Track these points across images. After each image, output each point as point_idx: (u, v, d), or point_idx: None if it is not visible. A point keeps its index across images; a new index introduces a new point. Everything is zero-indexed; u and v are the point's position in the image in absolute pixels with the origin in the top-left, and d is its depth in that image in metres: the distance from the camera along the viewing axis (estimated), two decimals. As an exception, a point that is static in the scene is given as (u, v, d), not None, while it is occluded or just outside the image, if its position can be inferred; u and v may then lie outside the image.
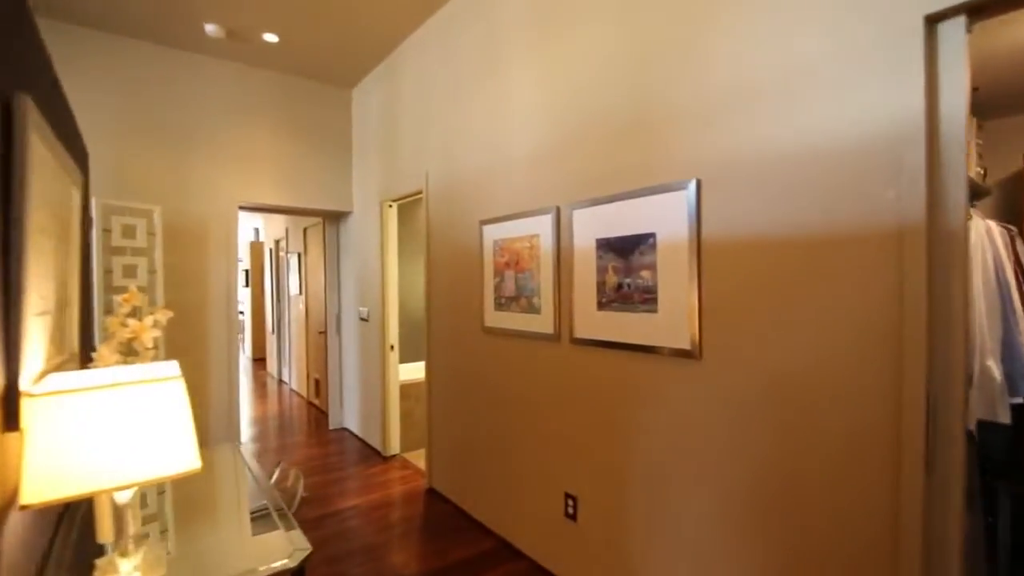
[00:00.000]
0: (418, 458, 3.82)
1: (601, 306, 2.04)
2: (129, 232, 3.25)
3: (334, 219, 4.75)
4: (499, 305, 2.63)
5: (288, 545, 1.28)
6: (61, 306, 1.41)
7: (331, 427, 4.70)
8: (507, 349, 2.60)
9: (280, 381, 7.12)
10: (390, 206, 3.92)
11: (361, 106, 4.27)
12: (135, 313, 1.88)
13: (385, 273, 3.91)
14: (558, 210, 2.25)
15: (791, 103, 1.47)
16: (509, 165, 2.57)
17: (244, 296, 9.45)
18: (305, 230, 5.81)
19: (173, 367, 1.18)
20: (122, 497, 1.08)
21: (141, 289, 3.32)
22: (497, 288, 2.64)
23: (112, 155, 3.38)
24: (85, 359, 1.82)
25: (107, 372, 1.13)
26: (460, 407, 3.01)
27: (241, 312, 11.39)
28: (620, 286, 1.96)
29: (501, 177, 2.63)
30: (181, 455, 1.07)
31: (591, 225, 2.09)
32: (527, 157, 2.45)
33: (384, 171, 3.90)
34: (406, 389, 4.06)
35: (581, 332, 2.14)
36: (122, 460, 0.99)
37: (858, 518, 1.33)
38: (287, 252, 6.59)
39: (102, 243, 3.08)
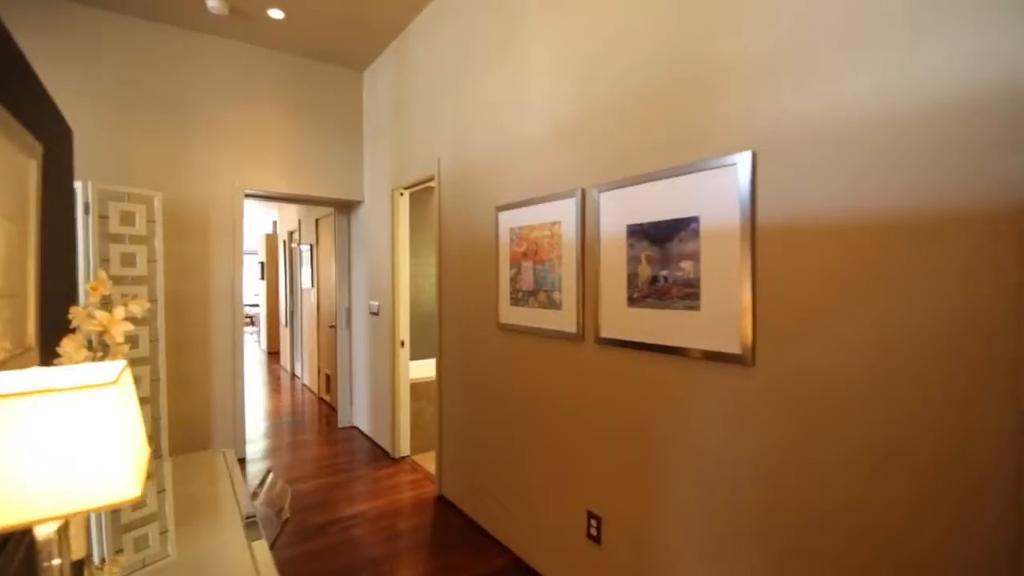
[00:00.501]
0: (428, 461, 3.61)
1: (632, 302, 1.78)
2: (128, 219, 3.09)
3: (345, 209, 4.56)
4: (515, 300, 2.39)
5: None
6: (8, 293, 1.22)
7: (340, 425, 4.53)
8: (524, 348, 2.35)
9: (293, 375, 7.01)
10: (401, 194, 3.70)
11: (372, 89, 4.06)
12: (108, 303, 1.68)
13: (396, 265, 3.69)
14: (583, 193, 2.00)
15: (875, 50, 1.18)
16: (527, 145, 2.31)
17: (260, 289, 9.40)
18: (317, 221, 5.65)
19: (111, 370, 0.96)
20: (41, 531, 0.87)
21: (140, 279, 3.16)
22: (513, 281, 2.40)
23: (110, 139, 3.22)
24: (53, 355, 1.64)
25: (16, 376, 0.91)
26: (472, 409, 2.79)
27: (256, 305, 11.37)
28: (655, 279, 1.70)
29: (518, 159, 2.38)
30: (113, 481, 0.86)
31: (621, 209, 1.82)
32: (547, 135, 2.19)
33: (395, 158, 3.68)
34: (417, 388, 3.85)
35: (608, 331, 1.88)
36: (30, 489, 0.77)
37: None
38: (299, 244, 6.45)
39: (98, 230, 2.92)
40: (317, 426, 4.62)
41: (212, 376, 3.59)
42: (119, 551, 1.41)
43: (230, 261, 3.65)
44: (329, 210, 4.99)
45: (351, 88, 4.17)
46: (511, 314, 2.42)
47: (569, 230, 2.06)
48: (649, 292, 1.72)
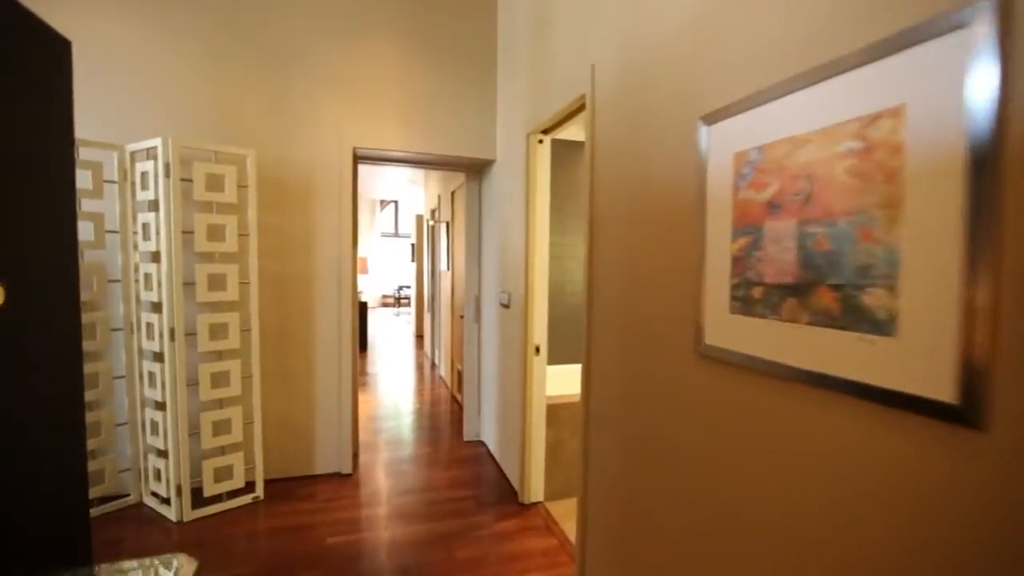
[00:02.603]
0: (567, 515, 2.56)
1: None
2: (215, 183, 2.57)
3: (476, 173, 3.69)
4: (744, 303, 1.15)
5: None
6: None
7: (466, 437, 3.74)
8: (766, 410, 1.12)
9: (432, 364, 6.57)
10: (540, 141, 2.65)
11: (509, 10, 3.06)
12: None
13: (531, 241, 2.68)
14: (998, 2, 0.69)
15: None
16: (788, -36, 1.05)
17: (410, 271, 9.36)
18: (453, 194, 4.95)
19: None
20: None
21: (229, 256, 2.64)
22: (740, 263, 1.17)
23: (196, 88, 2.73)
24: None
25: None
26: (638, 473, 1.63)
27: (408, 286, 11.59)
28: None
29: (748, 6, 1.12)
30: None
31: None
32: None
33: (532, 89, 2.63)
34: (556, 411, 2.82)
35: None
36: None
37: None
38: (438, 221, 5.88)
39: (179, 196, 2.43)
40: (440, 435, 3.89)
41: (315, 372, 3.01)
42: None
43: (337, 235, 3.00)
44: (461, 181, 4.20)
45: (483, 12, 3.23)
46: (733, 330, 1.19)
47: (935, 121, 0.77)
48: None
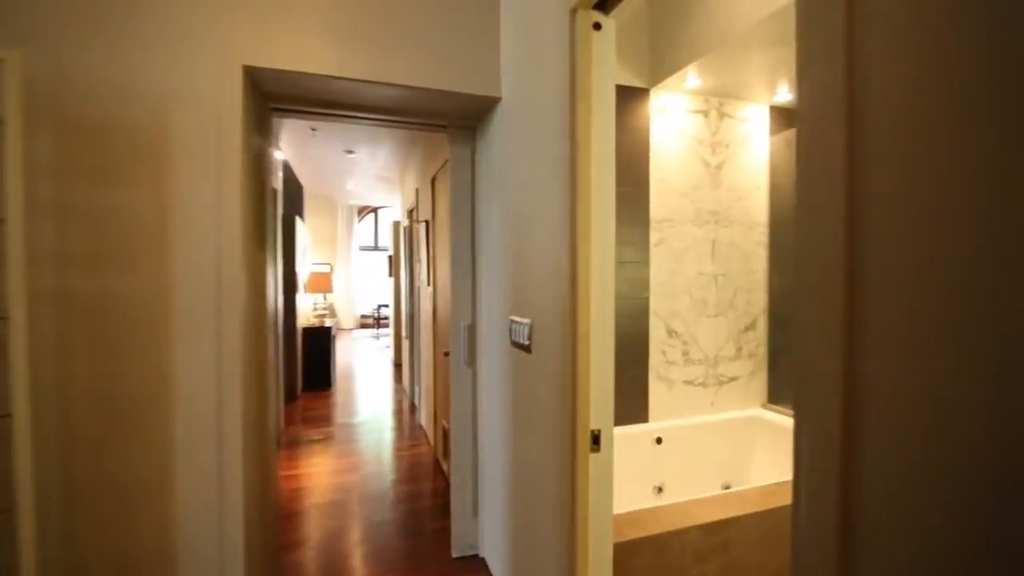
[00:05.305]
0: None
1: None
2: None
3: (467, 130, 2.37)
4: None
5: None
6: None
7: (455, 552, 2.36)
8: None
9: (412, 406, 5.18)
10: (596, 25, 1.34)
11: None
12: None
13: (580, 233, 1.36)
14: None
15: None
16: None
17: (388, 287, 7.99)
18: (433, 179, 3.62)
19: None
20: None
21: (-48, 263, 1.27)
22: None
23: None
24: None
25: None
26: None
27: (386, 305, 10.19)
28: None
29: None
30: None
31: None
32: None
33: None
34: (631, 549, 1.47)
35: None
36: None
37: None
38: (416, 221, 4.56)
39: None
40: (419, 543, 2.50)
41: (175, 471, 1.62)
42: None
43: (212, 225, 1.65)
44: (444, 160, 2.87)
45: None
46: None
47: None
48: None
